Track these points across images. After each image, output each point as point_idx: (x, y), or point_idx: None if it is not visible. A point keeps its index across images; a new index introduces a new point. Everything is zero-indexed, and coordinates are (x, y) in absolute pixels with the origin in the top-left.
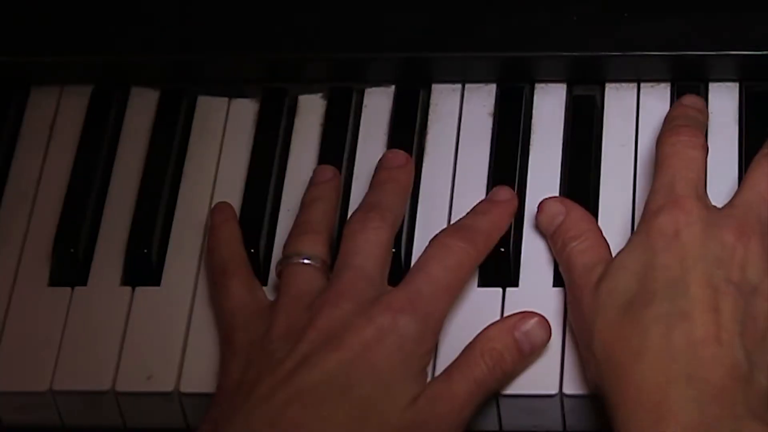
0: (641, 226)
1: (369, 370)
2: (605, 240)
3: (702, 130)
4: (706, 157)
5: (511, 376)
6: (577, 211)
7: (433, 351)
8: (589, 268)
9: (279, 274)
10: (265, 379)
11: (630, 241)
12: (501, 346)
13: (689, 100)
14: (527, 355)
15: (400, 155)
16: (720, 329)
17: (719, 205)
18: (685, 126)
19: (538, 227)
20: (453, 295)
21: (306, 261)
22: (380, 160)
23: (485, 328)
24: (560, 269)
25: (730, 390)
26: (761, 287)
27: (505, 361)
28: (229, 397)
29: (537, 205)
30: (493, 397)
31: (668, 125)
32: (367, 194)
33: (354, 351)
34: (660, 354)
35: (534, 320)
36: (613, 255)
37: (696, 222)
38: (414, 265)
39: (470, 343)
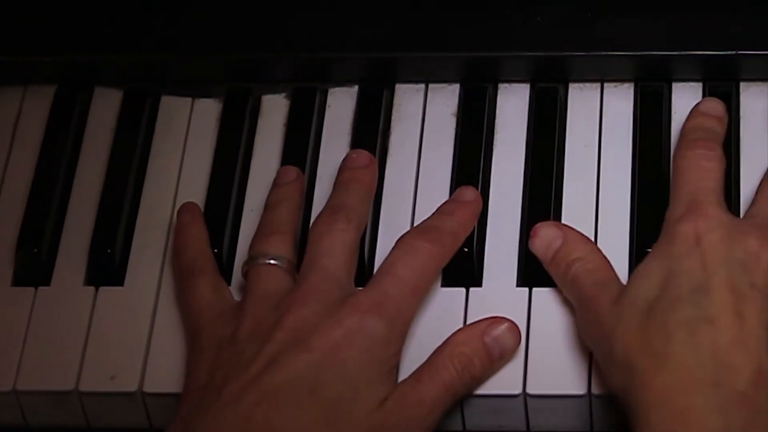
0: (663, 235)
1: (338, 372)
2: (608, 260)
3: (719, 141)
4: (723, 168)
5: (480, 381)
6: (575, 234)
7: (401, 352)
8: (601, 284)
9: (245, 275)
10: (234, 379)
11: (652, 250)
12: (470, 351)
13: (707, 106)
14: (496, 360)
15: (363, 155)
16: (745, 335)
17: None
18: (701, 139)
19: (534, 250)
20: (420, 296)
21: (272, 262)
22: (344, 160)
23: (455, 332)
24: (564, 291)
25: (755, 397)
26: None
27: (474, 366)
28: (198, 397)
29: (531, 230)
30: None
31: (684, 138)
32: (331, 195)
33: (322, 352)
34: (684, 360)
35: (504, 326)
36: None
37: (718, 227)
38: (380, 267)
39: (439, 346)
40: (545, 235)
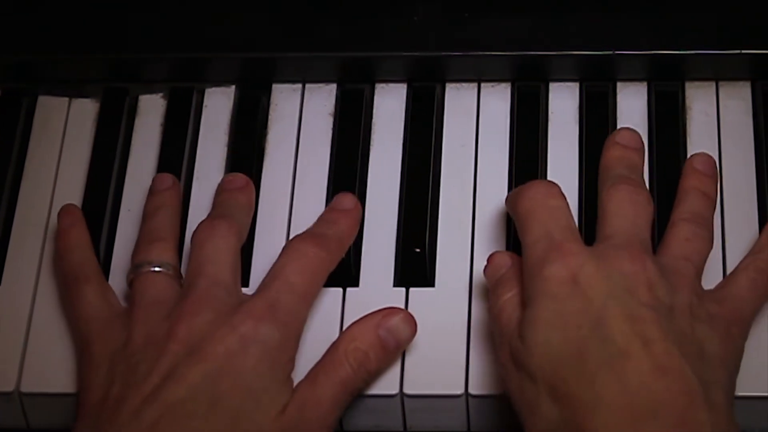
0: (533, 279)
1: (235, 381)
2: None
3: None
4: (566, 202)
5: (377, 374)
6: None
7: (295, 358)
8: (519, 321)
9: (130, 284)
10: (132, 394)
11: (528, 296)
12: (365, 346)
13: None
14: (392, 352)
15: (239, 178)
16: (663, 358)
17: None
18: (535, 183)
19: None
20: (310, 301)
21: (157, 269)
22: (220, 183)
23: (348, 327)
24: (491, 319)
25: (694, 417)
26: (676, 305)
27: (369, 361)
28: (95, 413)
29: (486, 258)
30: None
31: (520, 188)
32: (210, 212)
33: (218, 361)
34: (615, 399)
35: (398, 316)
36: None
37: (587, 261)
38: (270, 272)
39: (334, 343)
40: (495, 262)
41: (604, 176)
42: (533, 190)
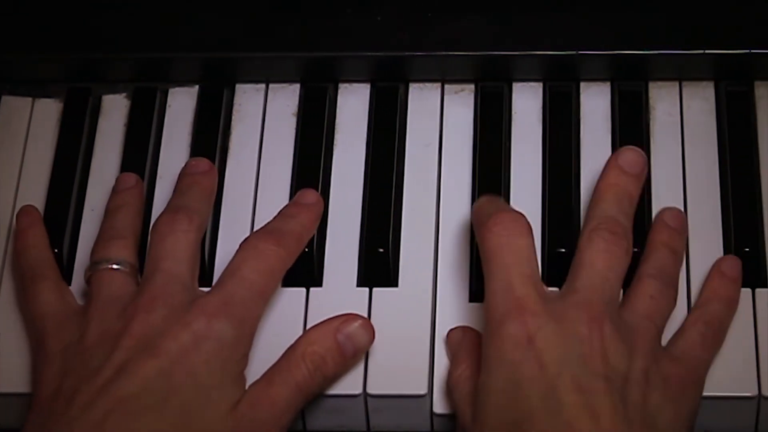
0: (490, 338)
1: (187, 377)
2: None
3: (519, 219)
4: (532, 239)
5: (333, 379)
6: (472, 340)
7: (249, 355)
8: (471, 395)
9: (88, 281)
10: (84, 388)
11: (485, 357)
12: (323, 350)
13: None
14: (350, 357)
15: (203, 162)
16: None
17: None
18: (502, 217)
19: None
20: (266, 298)
21: (115, 266)
22: (183, 167)
23: (307, 331)
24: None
25: None
26: (630, 374)
27: (326, 365)
28: (48, 406)
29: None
30: None
31: (479, 219)
32: (171, 198)
33: (171, 357)
34: None
35: (357, 323)
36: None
37: (546, 323)
38: (226, 269)
39: (291, 345)
40: (450, 339)
41: (591, 212)
42: (500, 226)
